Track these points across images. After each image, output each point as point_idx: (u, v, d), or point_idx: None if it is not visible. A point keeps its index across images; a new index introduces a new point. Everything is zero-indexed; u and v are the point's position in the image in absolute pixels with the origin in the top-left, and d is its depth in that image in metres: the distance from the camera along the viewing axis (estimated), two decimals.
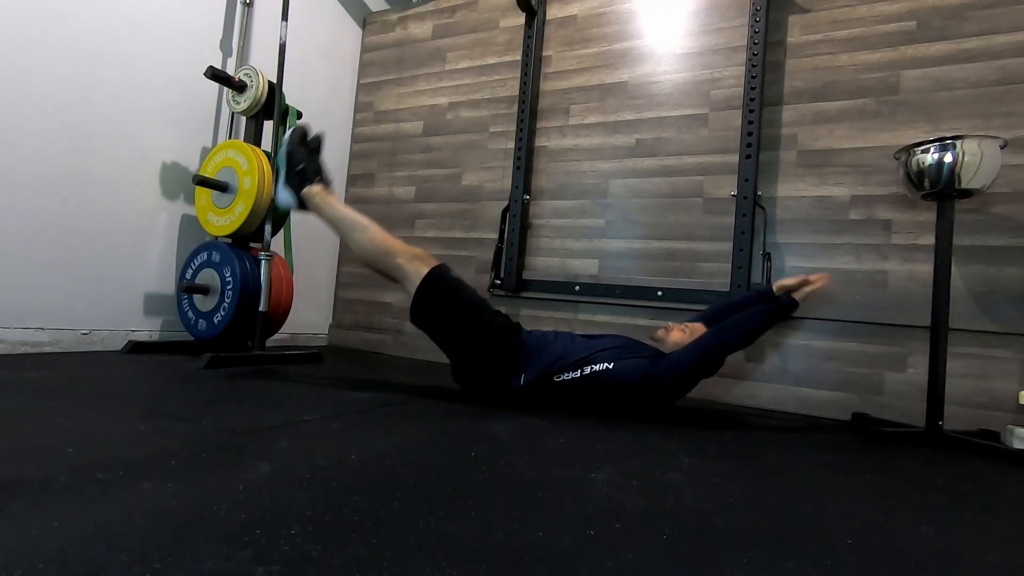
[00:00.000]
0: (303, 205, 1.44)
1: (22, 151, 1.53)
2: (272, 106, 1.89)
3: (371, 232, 1.39)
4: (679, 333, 1.46)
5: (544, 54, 2.28)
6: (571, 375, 1.32)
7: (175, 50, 1.91)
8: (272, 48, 1.98)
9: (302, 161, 1.44)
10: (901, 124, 1.67)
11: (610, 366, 1.31)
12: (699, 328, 1.48)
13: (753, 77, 1.81)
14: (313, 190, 1.43)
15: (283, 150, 1.46)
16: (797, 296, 1.41)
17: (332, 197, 1.45)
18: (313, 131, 1.51)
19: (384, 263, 1.38)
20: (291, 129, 1.48)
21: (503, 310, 2.21)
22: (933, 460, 1.16)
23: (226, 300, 1.75)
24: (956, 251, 1.46)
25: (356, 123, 2.75)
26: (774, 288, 1.46)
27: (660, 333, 1.49)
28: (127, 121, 1.79)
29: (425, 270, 1.35)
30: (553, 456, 0.91)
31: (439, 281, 1.35)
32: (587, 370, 1.32)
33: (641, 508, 0.68)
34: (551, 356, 1.35)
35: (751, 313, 1.37)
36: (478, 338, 1.35)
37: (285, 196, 1.45)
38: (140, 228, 1.86)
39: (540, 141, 2.25)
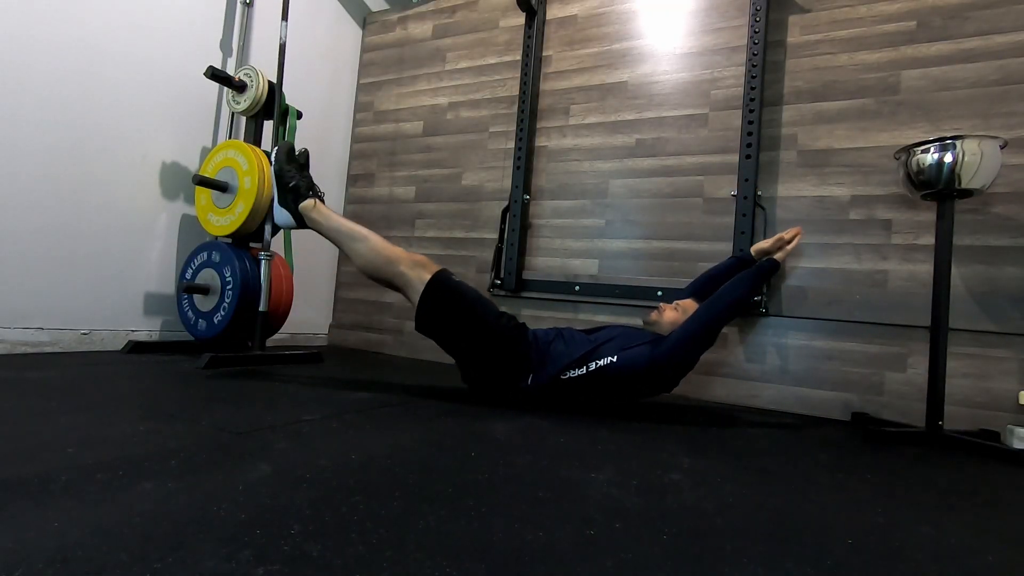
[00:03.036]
0: (301, 222, 1.43)
1: (22, 151, 1.53)
2: (272, 106, 1.89)
3: (371, 242, 1.39)
4: (672, 312, 1.47)
5: (544, 54, 2.28)
6: (577, 372, 1.33)
7: (175, 50, 1.91)
8: (272, 48, 1.98)
9: (293, 178, 1.43)
10: (901, 124, 1.67)
11: (614, 359, 1.32)
12: (690, 304, 1.49)
13: (753, 77, 1.81)
14: (308, 205, 1.42)
15: (272, 170, 1.45)
16: (777, 257, 1.46)
17: (328, 210, 1.44)
18: (299, 147, 1.50)
19: (386, 272, 1.37)
20: (276, 148, 1.46)
21: (503, 310, 2.23)
22: (933, 460, 1.16)
23: (226, 300, 1.75)
24: (956, 251, 1.46)
25: (356, 123, 2.75)
26: (752, 252, 1.53)
27: (653, 316, 1.50)
28: (127, 121, 1.79)
29: (428, 276, 1.34)
30: (553, 456, 0.91)
31: (443, 286, 1.34)
32: (592, 366, 1.32)
33: (641, 508, 0.68)
34: (556, 355, 1.35)
35: (738, 280, 1.40)
36: (486, 341, 1.35)
37: (283, 215, 1.44)
38: (140, 228, 1.86)
39: (540, 141, 2.25)
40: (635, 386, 1.36)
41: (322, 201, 1.45)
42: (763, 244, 1.54)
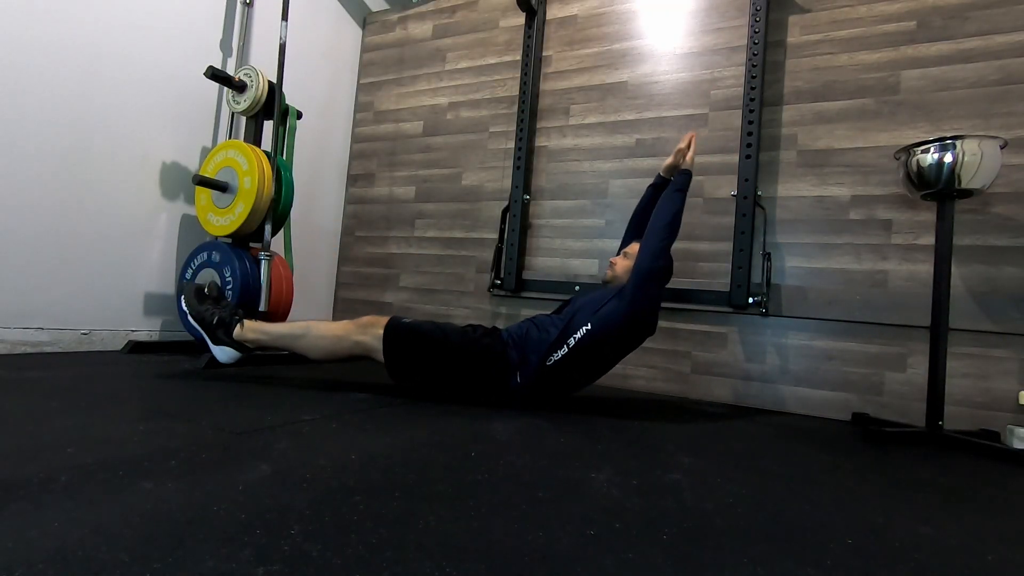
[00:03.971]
0: (245, 348, 1.38)
1: (22, 151, 1.53)
2: (272, 106, 1.89)
3: (314, 329, 1.36)
4: (624, 260, 1.52)
5: (544, 54, 2.28)
6: (560, 353, 1.33)
7: (175, 50, 1.91)
8: (272, 48, 1.98)
9: (213, 314, 1.38)
10: (901, 124, 1.67)
11: (590, 326, 1.33)
12: (636, 247, 1.50)
13: (753, 77, 1.81)
14: (239, 331, 1.37)
15: (189, 318, 1.39)
16: (684, 166, 1.49)
17: (259, 323, 1.39)
18: (201, 282, 1.44)
19: (344, 349, 1.35)
20: (182, 295, 1.41)
21: (503, 310, 2.24)
22: (933, 460, 1.16)
23: None
24: (956, 251, 1.46)
25: (356, 123, 2.75)
26: (662, 173, 1.60)
27: (608, 273, 1.55)
28: (127, 121, 1.79)
29: (380, 331, 1.33)
30: (553, 456, 0.91)
31: (398, 331, 1.34)
32: (571, 342, 1.33)
33: (641, 508, 0.68)
34: (534, 344, 1.36)
35: (663, 200, 1.44)
36: (461, 361, 1.34)
37: (224, 353, 1.37)
38: (140, 228, 1.86)
39: (540, 141, 2.25)
40: (619, 342, 1.37)
41: (244, 318, 1.40)
42: (668, 161, 1.58)
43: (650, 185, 1.68)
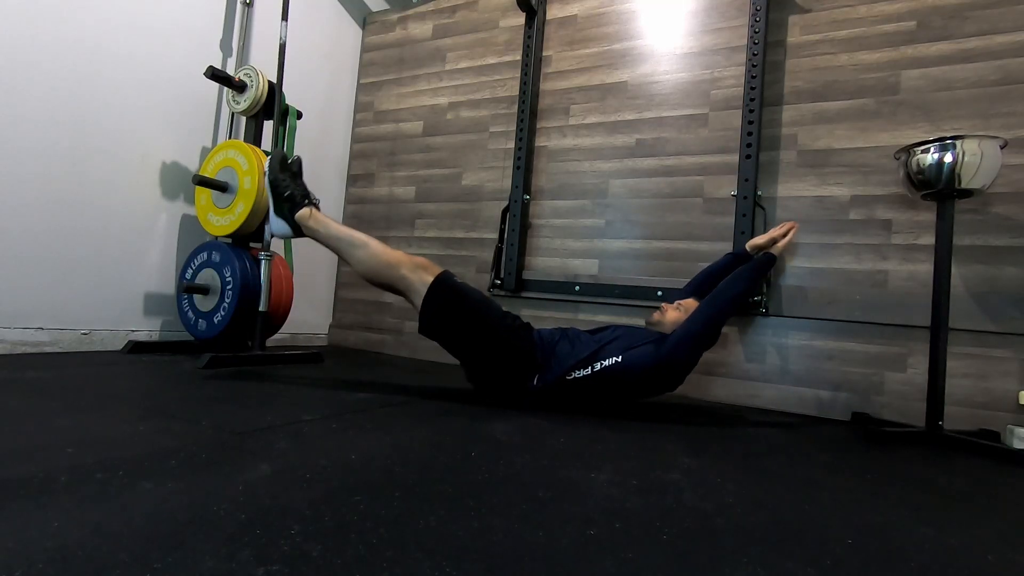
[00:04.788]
0: (298, 231, 1.41)
1: (22, 151, 1.53)
2: (272, 106, 1.89)
3: (371, 247, 1.38)
4: (674, 312, 1.49)
5: (544, 54, 2.28)
6: (583, 372, 1.33)
7: (175, 50, 1.91)
8: (272, 48, 1.98)
9: (288, 187, 1.41)
10: (901, 124, 1.67)
11: (619, 359, 1.32)
12: (691, 303, 1.50)
13: (753, 77, 1.81)
14: (305, 214, 1.40)
15: (266, 179, 1.43)
16: (773, 251, 1.50)
17: (325, 217, 1.42)
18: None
19: (388, 276, 1.36)
20: (270, 157, 1.44)
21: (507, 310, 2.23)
22: (933, 460, 1.16)
23: (226, 300, 1.75)
24: (956, 251, 1.46)
25: (356, 123, 2.75)
26: (747, 248, 1.58)
27: (656, 316, 1.52)
28: (127, 121, 1.79)
29: (430, 278, 1.34)
30: (553, 456, 0.91)
31: (446, 287, 1.34)
32: (598, 367, 1.32)
33: (641, 508, 0.68)
34: (562, 356, 1.35)
35: (736, 275, 1.42)
36: (492, 341, 1.34)
37: (279, 225, 1.42)
38: (140, 228, 1.86)
39: (540, 141, 2.25)
40: (640, 385, 1.36)
41: (318, 208, 1.44)
42: (758, 240, 1.58)
43: (730, 253, 1.68)
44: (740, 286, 1.39)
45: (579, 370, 1.33)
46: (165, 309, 1.95)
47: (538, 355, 1.35)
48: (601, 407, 1.41)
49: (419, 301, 1.33)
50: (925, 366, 1.47)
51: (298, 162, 1.49)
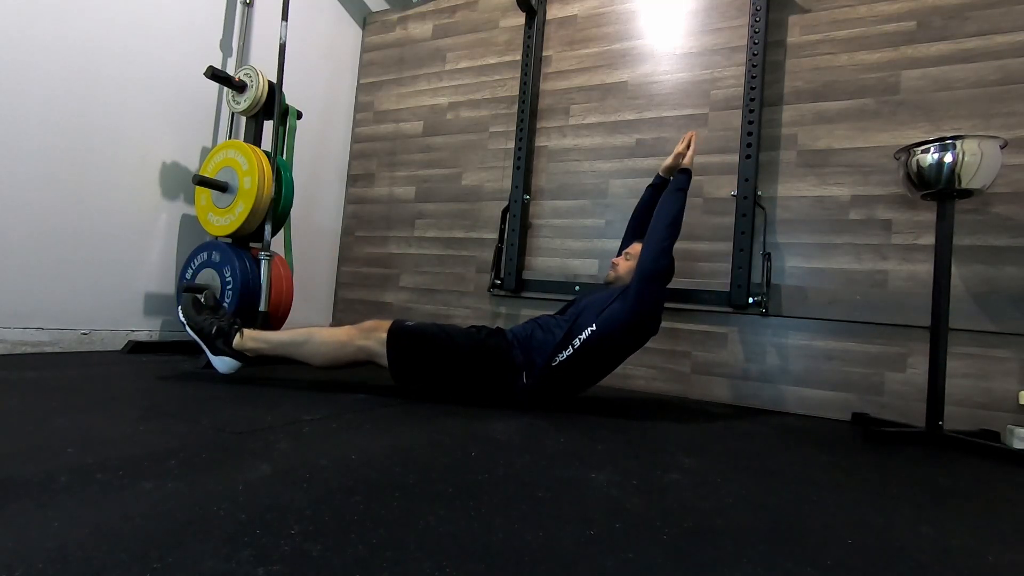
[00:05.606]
0: (245, 358, 1.36)
1: (22, 151, 1.53)
2: (272, 106, 1.89)
3: (317, 336, 1.35)
4: (626, 263, 1.53)
5: (544, 54, 2.28)
6: (565, 354, 1.33)
7: (175, 50, 1.91)
8: (272, 48, 1.98)
9: (212, 324, 1.35)
10: (901, 124, 1.67)
11: (594, 327, 1.33)
12: (637, 247, 1.51)
13: (753, 77, 1.81)
14: (239, 342, 1.35)
15: (187, 329, 1.36)
16: (683, 165, 1.50)
17: (258, 332, 1.38)
18: (199, 292, 1.42)
19: (346, 355, 1.34)
20: (180, 306, 1.38)
21: (503, 310, 2.24)
22: (933, 460, 1.16)
23: (226, 300, 1.75)
24: (956, 251, 1.46)
25: (356, 123, 2.75)
26: (661, 173, 1.61)
27: (611, 274, 1.56)
28: (127, 121, 1.79)
29: (384, 335, 1.32)
30: (553, 456, 0.91)
31: (401, 335, 1.33)
32: (577, 343, 1.33)
33: (641, 508, 0.68)
34: (540, 345, 1.36)
35: (663, 202, 1.45)
36: (467, 363, 1.34)
37: (224, 363, 1.36)
38: (140, 228, 1.86)
39: (540, 141, 2.25)
40: (623, 343, 1.38)
41: (244, 327, 1.38)
42: (667, 162, 1.58)
43: (649, 185, 1.69)
44: (671, 208, 1.41)
45: (561, 352, 1.33)
46: (165, 309, 1.95)
47: (517, 354, 1.36)
48: (596, 380, 1.42)
49: (385, 361, 1.32)
50: (925, 366, 1.47)
51: (209, 294, 1.44)
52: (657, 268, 1.35)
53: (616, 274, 1.54)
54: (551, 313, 1.51)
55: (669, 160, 1.57)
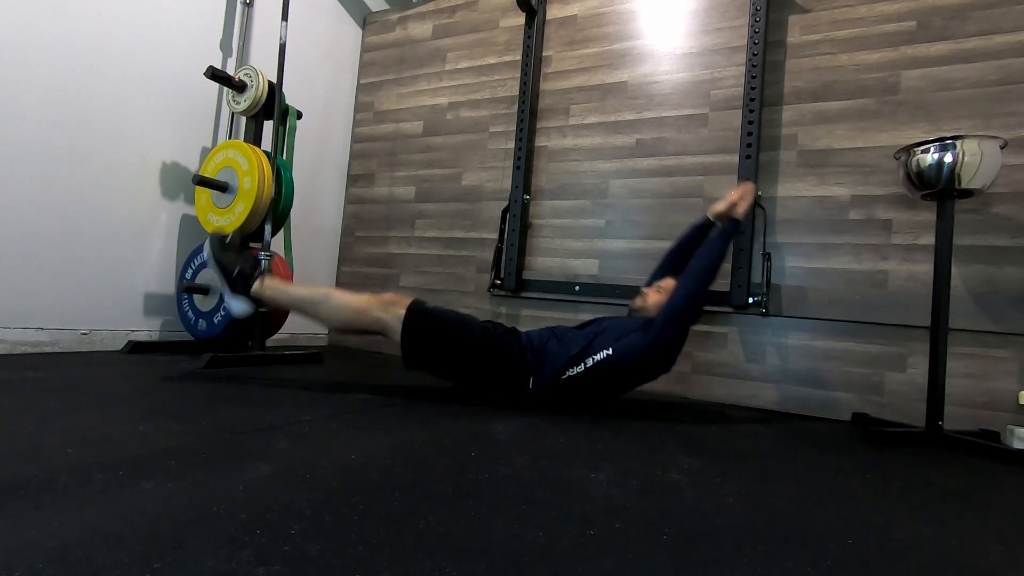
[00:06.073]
0: (259, 304, 1.37)
1: (22, 151, 1.53)
2: (272, 106, 1.89)
3: (334, 298, 1.35)
4: (656, 295, 1.49)
5: (544, 54, 2.28)
6: (576, 370, 1.33)
7: (175, 50, 1.91)
8: (272, 48, 1.98)
9: (235, 264, 1.36)
10: (901, 124, 1.67)
11: (610, 351, 1.32)
12: (670, 283, 1.49)
13: (753, 77, 1.81)
14: (259, 286, 1.35)
15: (210, 265, 1.37)
16: (735, 215, 1.46)
17: (279, 281, 1.38)
18: (224, 239, 1.43)
19: (360, 322, 1.33)
20: (207, 242, 1.38)
21: (503, 310, 2.24)
22: (933, 460, 1.16)
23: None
24: (956, 251, 1.46)
25: (356, 123, 2.75)
26: (710, 216, 1.53)
27: (638, 302, 1.52)
28: (127, 121, 1.79)
29: (402, 312, 1.31)
30: (553, 456, 0.91)
31: (420, 315, 1.32)
32: (590, 362, 1.32)
33: (641, 508, 0.68)
34: (552, 356, 1.35)
35: (706, 246, 1.43)
36: (478, 356, 1.33)
37: (238, 305, 1.36)
38: (140, 228, 1.86)
39: (540, 141, 2.25)
40: (635, 373, 1.37)
41: (269, 275, 1.38)
42: (718, 207, 1.52)
43: (694, 225, 1.62)
44: (714, 253, 1.39)
45: (572, 368, 1.33)
46: (165, 309, 1.95)
47: (528, 358, 1.35)
48: (599, 402, 1.41)
49: (397, 337, 1.31)
50: (925, 366, 1.47)
51: (237, 237, 1.44)
52: (688, 308, 1.34)
53: (643, 304, 1.50)
54: (569, 326, 1.48)
55: (721, 206, 1.50)
